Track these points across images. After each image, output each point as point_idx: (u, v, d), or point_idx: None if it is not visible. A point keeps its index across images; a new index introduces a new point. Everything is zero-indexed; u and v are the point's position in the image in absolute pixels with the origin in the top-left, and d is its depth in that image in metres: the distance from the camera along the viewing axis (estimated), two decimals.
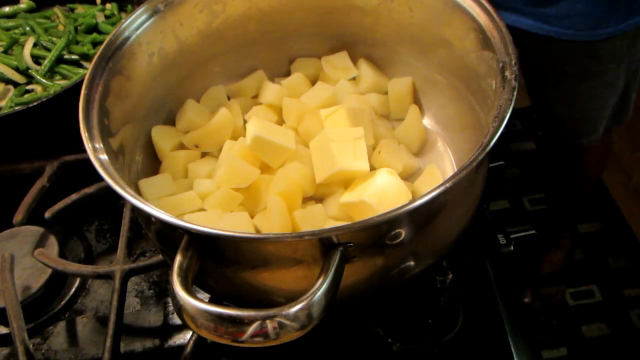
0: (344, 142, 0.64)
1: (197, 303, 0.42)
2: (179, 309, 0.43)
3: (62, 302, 0.77)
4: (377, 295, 0.62)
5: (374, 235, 0.48)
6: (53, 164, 0.84)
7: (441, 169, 0.72)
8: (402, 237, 0.49)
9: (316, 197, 0.69)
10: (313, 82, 0.81)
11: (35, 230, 0.80)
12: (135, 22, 0.67)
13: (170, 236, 0.52)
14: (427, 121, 0.79)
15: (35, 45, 0.99)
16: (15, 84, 0.97)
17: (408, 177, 0.73)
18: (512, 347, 0.64)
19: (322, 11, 0.78)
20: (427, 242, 0.55)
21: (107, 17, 1.08)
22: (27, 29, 1.03)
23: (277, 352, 0.62)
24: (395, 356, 0.67)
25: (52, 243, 0.79)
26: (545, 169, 0.86)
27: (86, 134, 0.55)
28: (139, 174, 0.69)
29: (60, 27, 1.05)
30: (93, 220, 0.87)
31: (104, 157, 0.55)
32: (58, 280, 0.78)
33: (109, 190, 0.51)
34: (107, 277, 0.72)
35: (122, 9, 1.10)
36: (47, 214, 0.77)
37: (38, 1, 1.11)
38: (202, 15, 0.73)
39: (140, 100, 0.69)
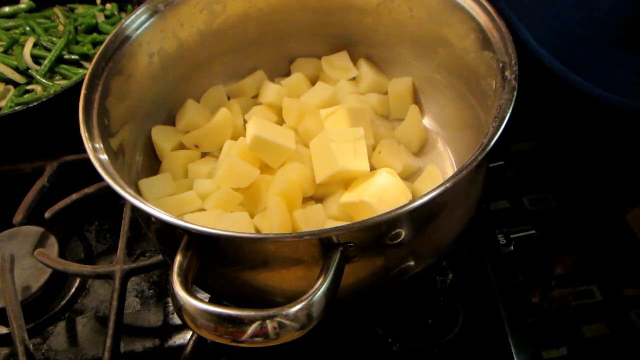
0: (344, 142, 0.64)
1: (197, 303, 0.42)
2: (179, 309, 0.43)
3: (62, 302, 0.77)
4: (377, 295, 0.62)
5: (374, 235, 0.48)
6: (53, 164, 0.84)
7: (441, 169, 0.72)
8: (402, 237, 0.49)
9: (316, 197, 0.69)
10: (313, 82, 0.81)
11: (35, 230, 0.80)
12: (135, 22, 0.67)
13: (170, 236, 0.52)
14: (427, 121, 0.79)
15: (35, 45, 1.00)
16: (15, 84, 0.97)
17: (408, 177, 0.73)
18: (512, 347, 0.64)
19: (322, 11, 0.78)
20: (427, 242, 0.55)
21: (107, 17, 1.08)
22: (27, 29, 1.03)
23: (277, 352, 0.62)
24: (395, 356, 0.67)
25: (52, 243, 0.79)
26: (546, 169, 0.86)
27: (86, 134, 0.55)
28: (139, 174, 0.69)
29: (60, 27, 1.05)
30: (93, 220, 0.87)
31: (104, 157, 0.55)
32: (58, 280, 0.78)
33: (109, 190, 0.51)
34: (107, 277, 0.72)
35: (122, 9, 1.10)
36: (47, 214, 0.77)
37: (38, 1, 1.11)
38: (202, 15, 0.73)
39: (140, 100, 0.69)
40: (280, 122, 0.77)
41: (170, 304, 0.75)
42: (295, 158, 0.69)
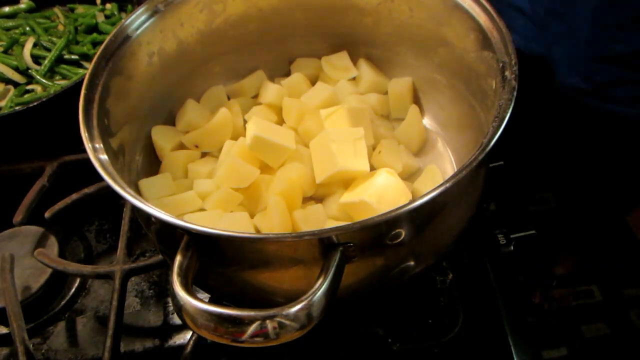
0: (344, 142, 0.64)
1: (197, 303, 0.42)
2: (179, 309, 0.43)
3: (62, 302, 0.77)
4: (377, 295, 0.62)
5: (374, 235, 0.48)
6: (53, 164, 0.84)
7: (441, 169, 0.72)
8: (402, 237, 0.49)
9: (316, 197, 0.69)
10: (313, 82, 0.81)
11: (35, 230, 0.80)
12: (135, 22, 0.67)
13: (170, 236, 0.52)
14: (427, 121, 0.79)
15: (35, 45, 1.00)
16: (15, 84, 0.97)
17: (408, 177, 0.73)
18: (512, 347, 0.64)
19: (322, 11, 0.78)
20: (427, 242, 0.55)
21: (107, 17, 1.08)
22: (27, 29, 1.03)
23: (277, 352, 0.62)
24: (395, 356, 0.67)
25: (52, 243, 0.79)
26: (546, 169, 0.86)
27: (86, 134, 0.55)
28: (139, 174, 0.69)
29: (60, 27, 1.05)
30: (93, 220, 0.87)
31: (104, 157, 0.55)
32: (58, 280, 0.78)
33: (109, 190, 0.51)
34: (107, 277, 0.72)
35: (122, 9, 1.10)
36: (47, 214, 0.77)
37: (38, 1, 1.11)
38: (202, 15, 0.73)
39: (140, 100, 0.69)
40: (280, 122, 0.77)
41: (170, 304, 0.75)
42: (295, 158, 0.69)
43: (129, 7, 1.09)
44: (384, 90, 0.80)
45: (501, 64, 0.57)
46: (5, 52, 1.00)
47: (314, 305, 0.42)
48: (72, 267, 0.73)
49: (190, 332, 0.69)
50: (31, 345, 0.67)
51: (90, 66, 0.61)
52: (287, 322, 0.41)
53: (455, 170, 0.71)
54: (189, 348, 0.66)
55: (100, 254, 0.83)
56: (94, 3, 1.12)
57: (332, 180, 0.66)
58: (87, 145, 0.54)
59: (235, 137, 0.74)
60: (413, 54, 0.76)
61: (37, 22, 1.04)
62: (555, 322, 0.67)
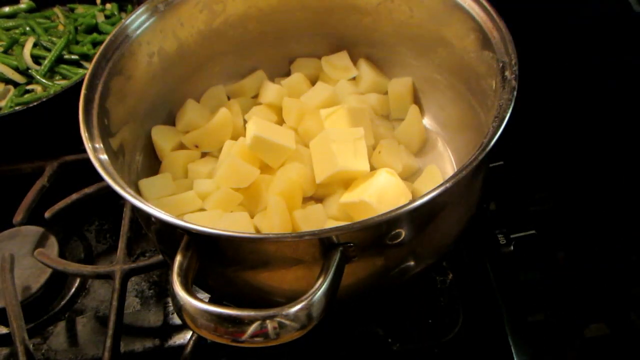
0: (344, 142, 0.64)
1: (197, 303, 0.42)
2: (179, 309, 0.43)
3: (62, 302, 0.77)
4: (377, 295, 0.62)
5: (374, 235, 0.48)
6: (53, 164, 0.84)
7: (441, 169, 0.72)
8: (402, 237, 0.49)
9: (316, 197, 0.69)
10: (313, 82, 0.81)
11: (35, 230, 0.80)
12: (135, 22, 0.67)
13: (170, 236, 0.52)
14: (427, 121, 0.79)
15: (35, 45, 1.00)
16: (15, 84, 0.97)
17: (408, 177, 0.73)
18: (512, 347, 0.64)
19: (322, 11, 0.78)
20: (427, 242, 0.55)
21: (107, 17, 1.08)
22: (27, 29, 1.03)
23: (277, 352, 0.62)
24: (395, 356, 0.67)
25: (52, 243, 0.79)
26: (546, 169, 0.86)
27: (86, 134, 0.55)
28: (139, 174, 0.69)
29: (60, 27, 1.05)
30: (93, 220, 0.87)
31: (104, 157, 0.55)
32: (58, 280, 0.78)
33: (109, 190, 0.51)
34: (107, 277, 0.72)
35: (122, 9, 1.10)
36: (47, 214, 0.77)
37: (38, 1, 1.11)
38: (202, 15, 0.73)
39: (140, 100, 0.69)
40: (280, 122, 0.77)
41: (170, 304, 0.75)
42: (295, 158, 0.69)
43: (129, 7, 1.09)
44: (384, 90, 0.80)
45: (501, 64, 0.57)
46: (5, 52, 1.00)
47: (314, 305, 0.42)
48: (72, 267, 0.73)
49: (190, 332, 0.69)
50: (31, 345, 0.68)
51: (90, 66, 0.61)
52: (287, 322, 0.41)
53: (455, 170, 0.71)
54: (189, 348, 0.66)
55: (100, 254, 0.83)
56: (94, 3, 1.12)
57: (332, 180, 0.66)
58: (87, 145, 0.54)
59: (235, 137, 0.74)
60: (413, 54, 0.76)
61: (37, 22, 1.04)
62: (555, 322, 0.67)
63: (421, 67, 0.76)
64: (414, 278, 0.57)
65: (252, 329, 0.41)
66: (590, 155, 0.83)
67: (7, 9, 1.10)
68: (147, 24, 0.68)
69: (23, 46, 0.99)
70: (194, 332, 0.66)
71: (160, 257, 0.71)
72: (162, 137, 0.73)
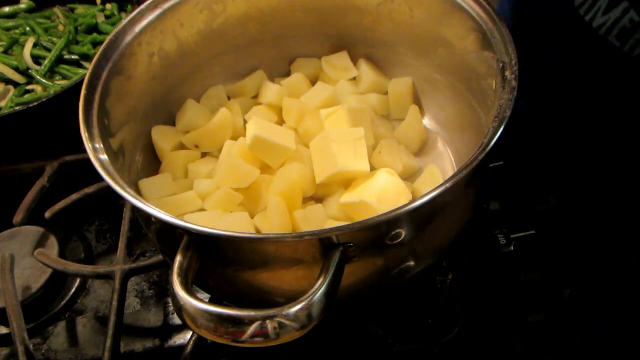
0: (344, 142, 0.64)
1: (197, 303, 0.42)
2: (179, 309, 0.43)
3: (62, 302, 0.77)
4: (377, 295, 0.62)
5: (374, 235, 0.48)
6: (53, 164, 0.84)
7: (441, 169, 0.72)
8: (402, 237, 0.49)
9: (316, 197, 0.69)
10: (313, 82, 0.81)
11: (35, 230, 0.80)
12: (135, 22, 0.67)
13: (170, 236, 0.52)
14: (427, 121, 0.79)
15: (35, 45, 1.00)
16: (15, 84, 0.97)
17: (408, 177, 0.73)
18: (512, 347, 0.64)
19: (322, 11, 0.78)
20: (427, 242, 0.55)
21: (107, 17, 1.08)
22: (27, 29, 1.03)
23: (277, 352, 0.62)
24: (395, 356, 0.67)
25: (52, 243, 0.79)
26: (546, 169, 0.86)
27: (86, 134, 0.55)
28: (139, 174, 0.69)
29: (60, 27, 1.05)
30: (93, 220, 0.87)
31: (104, 157, 0.55)
32: (58, 280, 0.78)
33: (109, 190, 0.51)
34: (107, 277, 0.72)
35: (122, 9, 1.10)
36: (47, 214, 0.77)
37: (38, 1, 1.11)
38: (202, 15, 0.73)
39: (140, 100, 0.69)
40: (280, 122, 0.77)
41: (170, 304, 0.75)
42: (295, 158, 0.69)
43: (129, 7, 1.09)
44: (384, 90, 0.80)
45: (501, 64, 0.57)
46: (5, 52, 1.00)
47: (314, 305, 0.42)
48: (72, 267, 0.73)
49: (190, 332, 0.69)
50: (31, 345, 0.68)
51: (90, 66, 0.61)
52: (287, 322, 0.41)
53: (455, 170, 0.71)
54: (189, 348, 0.66)
55: (100, 254, 0.83)
56: (94, 3, 1.12)
57: (332, 180, 0.66)
58: (87, 145, 0.54)
59: (235, 137, 0.74)
60: (413, 54, 0.76)
61: (37, 22, 1.04)
62: (555, 322, 0.67)
63: (421, 67, 0.76)
64: (414, 278, 0.57)
65: (252, 329, 0.41)
66: (590, 155, 0.83)
67: (7, 9, 1.10)
68: (147, 24, 0.68)
69: (23, 46, 0.99)
70: (194, 332, 0.66)
71: (160, 257, 0.71)
72: (162, 137, 0.73)
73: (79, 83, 0.75)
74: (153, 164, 0.73)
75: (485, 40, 0.61)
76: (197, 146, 0.75)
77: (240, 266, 0.52)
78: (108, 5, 1.10)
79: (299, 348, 0.67)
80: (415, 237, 0.51)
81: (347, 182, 0.67)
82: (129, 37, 0.66)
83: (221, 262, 0.52)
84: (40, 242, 0.79)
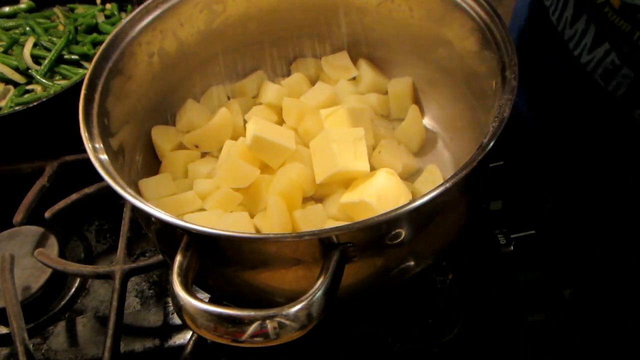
0: (344, 142, 0.64)
1: (197, 303, 0.42)
2: (179, 309, 0.43)
3: (62, 302, 0.77)
4: (377, 295, 0.62)
5: (374, 235, 0.48)
6: (53, 164, 0.84)
7: (441, 169, 0.72)
8: (402, 237, 0.49)
9: (316, 197, 0.69)
10: (313, 82, 0.81)
11: (35, 230, 0.80)
12: (135, 22, 0.67)
13: (170, 236, 0.52)
14: (427, 121, 0.79)
15: (35, 45, 1.00)
16: (15, 84, 0.97)
17: (408, 177, 0.73)
18: (512, 347, 0.64)
19: (322, 11, 0.78)
20: (427, 242, 0.55)
21: (107, 17, 1.08)
22: (27, 29, 1.03)
23: (277, 352, 0.62)
24: (395, 356, 0.67)
25: (52, 243, 0.79)
26: (546, 169, 0.86)
27: (86, 134, 0.55)
28: (139, 174, 0.69)
29: (60, 27, 1.05)
30: (93, 220, 0.87)
31: (104, 157, 0.55)
32: (58, 280, 0.78)
33: (109, 190, 0.51)
34: (107, 277, 0.72)
35: (122, 9, 1.10)
36: (47, 214, 0.77)
37: (38, 1, 1.11)
38: (202, 15, 0.73)
39: (140, 100, 0.69)
40: (280, 122, 0.77)
41: (170, 304, 0.75)
42: (295, 158, 0.69)
43: (129, 7, 1.09)
44: (384, 90, 0.80)
45: (501, 64, 0.57)
46: (5, 52, 1.00)
47: (314, 305, 0.42)
48: (72, 267, 0.73)
49: (190, 332, 0.69)
50: (31, 345, 0.68)
51: (90, 66, 0.61)
52: (287, 322, 0.41)
53: (455, 170, 0.71)
54: (189, 348, 0.66)
55: (100, 254, 0.83)
56: (94, 3, 1.12)
57: (332, 180, 0.66)
58: (87, 145, 0.54)
59: (235, 137, 0.74)
60: (413, 54, 0.76)
61: (37, 22, 1.04)
62: (555, 322, 0.67)
63: (421, 67, 0.76)
64: (414, 278, 0.57)
65: (252, 329, 0.41)
66: (590, 155, 0.83)
67: (7, 9, 1.10)
68: (147, 24, 0.68)
69: (23, 46, 0.99)
70: (194, 332, 0.66)
71: (160, 257, 0.71)
72: (162, 137, 0.73)
73: (79, 83, 0.75)
74: (153, 164, 0.73)
75: (485, 40, 0.61)
76: (197, 146, 0.75)
77: (240, 266, 0.52)
78: (108, 5, 1.10)
79: (299, 348, 0.67)
80: (415, 237, 0.51)
81: (347, 182, 0.67)
82: (129, 37, 0.66)
83: (221, 262, 0.51)
84: (40, 242, 0.79)
